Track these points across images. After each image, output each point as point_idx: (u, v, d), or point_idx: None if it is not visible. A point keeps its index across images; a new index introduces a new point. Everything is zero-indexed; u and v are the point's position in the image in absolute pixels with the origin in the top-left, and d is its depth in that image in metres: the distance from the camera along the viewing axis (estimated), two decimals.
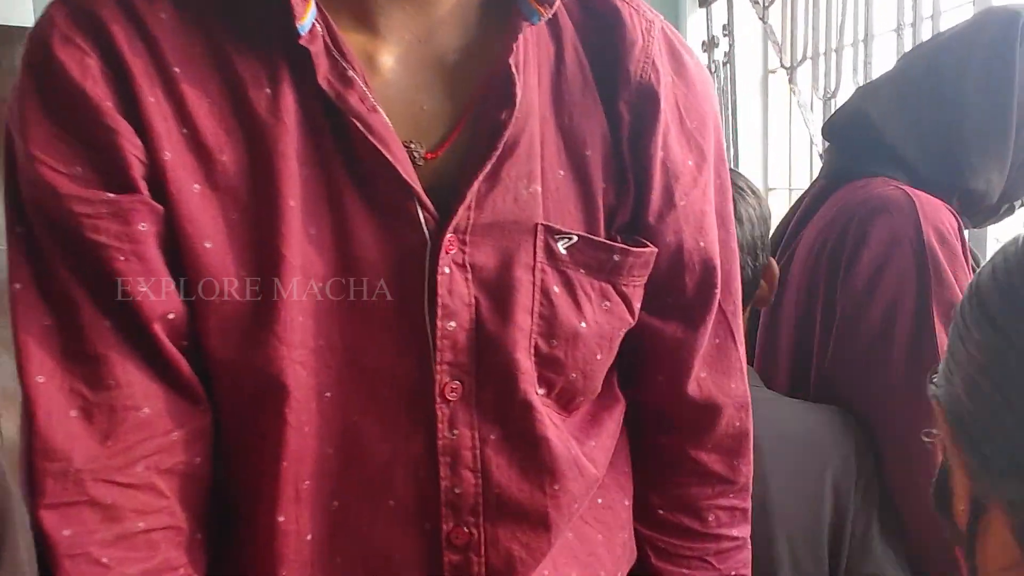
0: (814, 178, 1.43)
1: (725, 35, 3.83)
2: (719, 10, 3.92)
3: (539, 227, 0.74)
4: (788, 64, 3.27)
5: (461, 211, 0.72)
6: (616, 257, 0.77)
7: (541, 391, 0.77)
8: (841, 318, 1.22)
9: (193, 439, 0.71)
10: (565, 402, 0.79)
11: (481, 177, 0.72)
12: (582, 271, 0.76)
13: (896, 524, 1.17)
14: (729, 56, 3.80)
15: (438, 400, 0.73)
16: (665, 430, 0.89)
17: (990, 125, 1.22)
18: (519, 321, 0.74)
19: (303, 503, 0.73)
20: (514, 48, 0.72)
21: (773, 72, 3.86)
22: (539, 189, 0.75)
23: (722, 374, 0.86)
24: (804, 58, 3.14)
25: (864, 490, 1.15)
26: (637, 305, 0.80)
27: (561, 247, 0.75)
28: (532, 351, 0.75)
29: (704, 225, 0.81)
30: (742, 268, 1.12)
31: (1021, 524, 0.52)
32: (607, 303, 0.78)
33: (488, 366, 0.74)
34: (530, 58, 0.75)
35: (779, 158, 3.97)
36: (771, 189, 4.01)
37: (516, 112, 0.72)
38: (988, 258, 0.58)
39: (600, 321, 0.77)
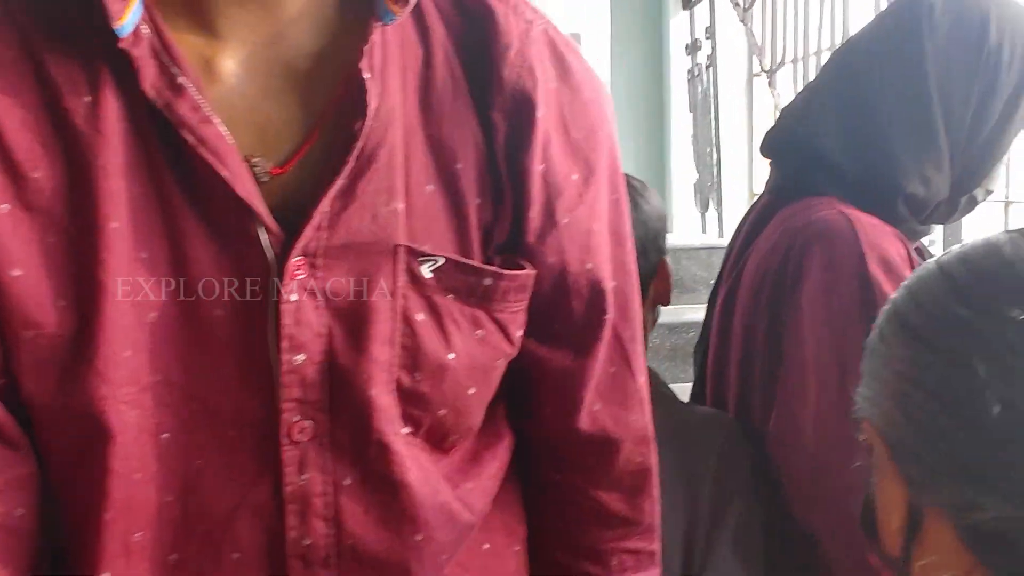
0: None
1: (708, 38, 3.76)
2: (703, 13, 3.86)
3: (400, 249, 0.67)
4: (768, 67, 3.20)
5: (309, 231, 0.65)
6: (487, 281, 0.70)
7: (406, 430, 0.70)
8: (789, 372, 1.12)
9: (10, 489, 0.64)
10: (437, 441, 0.72)
11: (332, 193, 0.65)
12: (450, 297, 0.69)
13: (756, 544, 1.11)
14: (712, 59, 3.73)
15: (284, 441, 0.66)
16: (559, 467, 0.82)
17: (911, 119, 1.13)
18: (375, 353, 0.67)
19: (135, 557, 0.66)
20: (365, 52, 0.65)
21: (758, 76, 3.79)
22: (401, 207, 0.68)
23: (618, 406, 0.79)
24: (782, 62, 3.07)
25: (714, 500, 1.11)
26: (517, 333, 0.73)
27: (426, 270, 0.68)
28: (394, 386, 0.68)
29: (592, 245, 0.74)
30: None
31: (967, 526, 0.55)
32: (480, 332, 0.70)
33: (342, 403, 0.67)
34: (391, 62, 0.68)
35: (764, 162, 3.90)
36: (756, 194, 3.94)
37: (371, 122, 0.66)
38: None
39: (472, 352, 0.70)
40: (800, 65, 2.97)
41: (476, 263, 0.70)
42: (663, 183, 4.30)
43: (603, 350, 0.77)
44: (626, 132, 4.45)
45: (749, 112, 3.91)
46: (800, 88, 2.90)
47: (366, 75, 0.65)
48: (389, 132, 0.67)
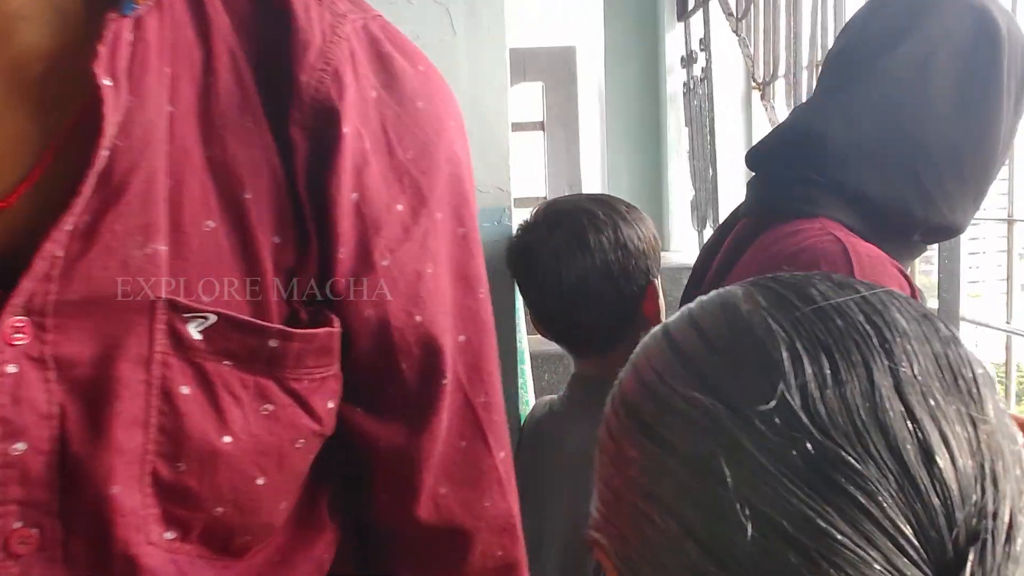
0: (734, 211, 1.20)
1: (702, 50, 3.61)
2: (699, 26, 3.71)
3: (159, 303, 0.53)
4: (761, 79, 3.05)
5: (29, 283, 0.51)
6: (273, 343, 0.55)
7: (170, 535, 0.55)
8: None
9: None
10: (219, 546, 0.57)
11: (61, 235, 0.51)
12: (227, 363, 0.55)
13: None
14: (706, 71, 3.58)
15: (1, 555, 0.52)
16: (403, 564, 0.66)
17: (980, 151, 0.98)
18: (120, 440, 0.52)
19: None
20: (102, 52, 0.51)
21: (756, 89, 3.63)
22: (162, 249, 0.53)
23: (470, 489, 0.64)
24: (775, 75, 2.91)
25: None
26: (325, 405, 0.58)
27: (193, 330, 0.54)
28: (149, 480, 0.53)
29: (422, 292, 0.59)
30: (599, 297, 1.20)
31: None
32: (268, 407, 0.56)
33: (77, 506, 0.52)
34: (152, 65, 0.54)
35: None
36: None
37: (119, 141, 0.51)
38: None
39: (258, 432, 0.55)
40: (792, 78, 2.80)
41: (257, 320, 0.55)
42: (660, 200, 4.15)
43: (447, 421, 0.62)
44: (622, 148, 4.32)
45: (748, 126, 3.75)
46: (792, 102, 2.75)
47: (105, 81, 0.51)
48: (146, 154, 0.53)
